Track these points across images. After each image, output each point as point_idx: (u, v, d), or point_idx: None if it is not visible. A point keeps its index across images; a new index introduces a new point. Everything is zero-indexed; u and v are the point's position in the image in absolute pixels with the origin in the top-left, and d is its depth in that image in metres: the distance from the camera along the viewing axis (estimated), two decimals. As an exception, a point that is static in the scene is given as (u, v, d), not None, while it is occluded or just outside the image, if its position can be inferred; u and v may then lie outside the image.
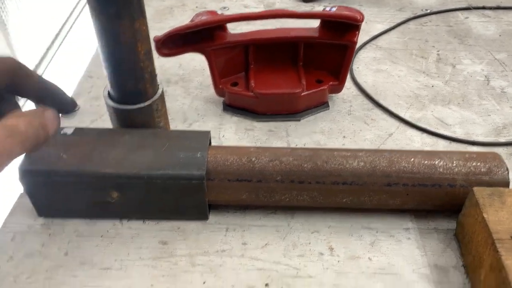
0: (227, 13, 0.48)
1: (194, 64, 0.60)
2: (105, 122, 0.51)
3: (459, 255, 0.38)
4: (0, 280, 0.36)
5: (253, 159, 0.39)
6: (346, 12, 0.47)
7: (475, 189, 0.36)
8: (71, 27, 1.97)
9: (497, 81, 0.57)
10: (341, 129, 0.50)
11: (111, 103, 0.40)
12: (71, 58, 1.81)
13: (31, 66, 1.67)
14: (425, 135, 0.50)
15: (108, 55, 0.36)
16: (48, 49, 1.78)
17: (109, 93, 0.40)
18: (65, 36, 1.91)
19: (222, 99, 0.54)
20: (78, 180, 0.37)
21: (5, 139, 0.28)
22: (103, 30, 0.35)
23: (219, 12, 0.49)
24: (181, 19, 0.69)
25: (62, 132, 0.39)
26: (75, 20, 2.01)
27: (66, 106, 0.36)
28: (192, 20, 0.48)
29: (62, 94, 0.36)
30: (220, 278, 0.36)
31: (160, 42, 0.47)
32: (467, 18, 0.70)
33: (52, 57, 1.79)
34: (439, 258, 0.38)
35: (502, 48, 0.64)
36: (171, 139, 0.39)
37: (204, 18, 0.47)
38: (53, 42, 1.82)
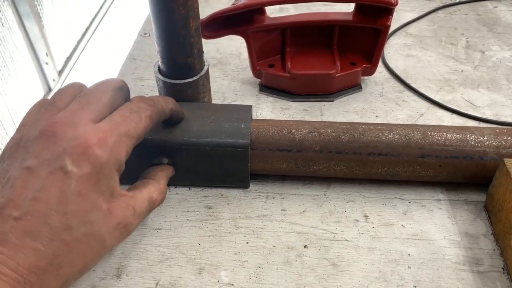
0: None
1: (231, 48, 0.63)
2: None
3: (488, 224, 0.40)
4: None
5: (293, 130, 0.41)
6: (381, -4, 0.49)
7: (506, 160, 0.38)
8: (102, 18, 2.02)
9: (526, 66, 0.59)
10: (374, 109, 0.53)
11: (161, 77, 0.43)
12: (106, 44, 1.86)
13: (65, 55, 1.72)
14: (455, 115, 0.52)
15: (162, 30, 0.39)
16: (82, 36, 1.83)
17: (159, 68, 0.43)
18: (97, 26, 1.96)
19: (258, 80, 0.57)
20: (134, 147, 0.40)
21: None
22: (159, 7, 0.38)
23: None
24: (217, 7, 0.72)
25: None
26: (107, 10, 2.06)
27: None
28: (234, 4, 0.50)
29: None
30: (262, 239, 0.39)
31: (203, 25, 0.50)
32: (496, 7, 0.71)
33: (85, 45, 1.84)
34: (469, 226, 0.40)
35: (531, 36, 0.65)
36: (217, 111, 0.42)
37: (245, 1, 0.50)
38: (86, 30, 1.87)
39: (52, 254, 0.28)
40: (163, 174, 0.39)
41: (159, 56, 0.42)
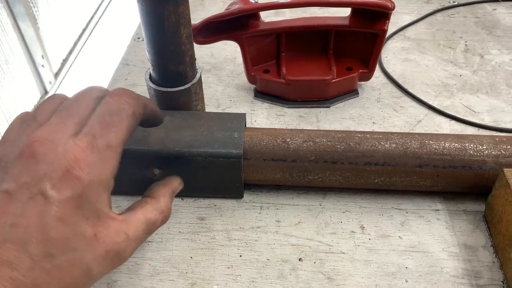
0: (261, 1, 0.50)
1: (226, 53, 0.62)
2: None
3: (488, 235, 0.39)
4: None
5: (288, 139, 0.40)
6: (377, 0, 0.48)
7: (506, 170, 0.37)
8: (98, 20, 2.01)
9: (525, 71, 0.58)
10: (371, 115, 0.52)
11: (152, 85, 0.42)
12: (102, 47, 1.85)
13: (61, 57, 1.71)
14: (453, 122, 0.51)
15: (152, 38, 0.38)
16: (78, 38, 1.82)
17: (150, 76, 0.42)
18: (94, 27, 1.95)
19: (253, 86, 0.56)
20: (123, 157, 0.39)
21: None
22: (149, 14, 0.37)
23: (252, 1, 0.50)
24: (213, 10, 0.71)
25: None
26: (103, 12, 2.05)
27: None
28: (227, 9, 0.49)
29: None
30: (256, 252, 0.38)
31: (196, 30, 0.49)
32: (495, 9, 0.70)
33: (82, 47, 1.83)
34: (468, 238, 0.39)
35: (530, 39, 0.64)
36: (209, 120, 0.41)
37: (238, 6, 0.49)
38: (83, 32, 1.86)
39: (32, 283, 0.26)
40: (165, 190, 0.36)
41: (150, 64, 0.41)
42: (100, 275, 0.29)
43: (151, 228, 0.32)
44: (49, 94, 1.59)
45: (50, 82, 1.60)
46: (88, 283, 0.29)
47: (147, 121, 0.35)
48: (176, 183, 0.37)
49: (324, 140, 0.40)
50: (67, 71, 1.74)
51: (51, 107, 0.32)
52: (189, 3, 0.38)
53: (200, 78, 0.43)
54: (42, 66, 1.54)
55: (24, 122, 0.32)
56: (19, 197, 0.27)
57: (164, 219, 0.34)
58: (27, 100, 1.47)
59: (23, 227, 0.26)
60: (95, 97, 0.32)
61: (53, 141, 0.29)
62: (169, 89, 0.41)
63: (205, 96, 0.50)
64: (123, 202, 0.42)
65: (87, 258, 0.28)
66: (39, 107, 0.33)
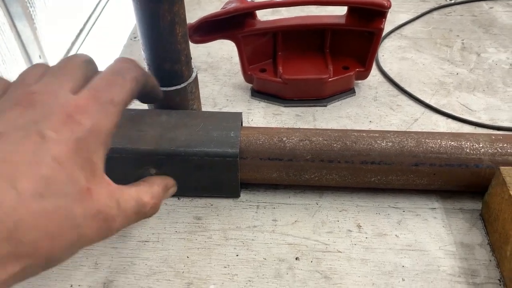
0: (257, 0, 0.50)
1: (222, 52, 0.62)
2: (139, 106, 0.52)
3: (484, 234, 0.39)
4: (46, 250, 0.38)
5: (284, 138, 0.40)
6: (373, -1, 0.48)
7: (502, 168, 0.37)
8: (96, 20, 2.00)
9: (522, 69, 0.58)
10: (367, 114, 0.51)
11: (148, 84, 0.42)
12: (98, 47, 1.85)
13: (58, 57, 1.71)
14: (450, 120, 0.51)
15: (147, 37, 0.38)
16: (76, 38, 1.81)
17: (146, 75, 0.42)
18: (91, 27, 1.95)
19: (250, 85, 0.56)
20: (119, 157, 0.39)
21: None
22: (144, 13, 0.37)
23: (249, 0, 0.50)
24: (209, 9, 0.71)
25: (102, 112, 0.41)
26: (101, 12, 2.05)
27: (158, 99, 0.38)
28: (223, 8, 0.49)
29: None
30: (253, 251, 0.38)
31: (193, 29, 0.49)
32: (491, 8, 0.70)
33: (79, 48, 1.83)
34: (464, 236, 0.39)
35: (527, 37, 0.64)
36: (205, 119, 0.41)
37: (235, 5, 0.49)
38: (80, 32, 1.85)
39: (14, 223, 0.23)
40: (159, 181, 0.35)
41: (145, 63, 0.41)
42: (87, 238, 0.27)
43: (140, 210, 0.31)
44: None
45: (47, 82, 1.60)
46: (75, 243, 0.26)
47: (147, 95, 0.35)
48: (171, 181, 0.37)
49: (321, 139, 0.40)
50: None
51: (38, 72, 0.30)
52: (184, 2, 0.38)
53: (196, 77, 0.43)
54: (39, 66, 1.54)
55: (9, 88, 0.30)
56: (13, 136, 0.25)
57: (154, 206, 0.32)
58: (25, 100, 1.46)
59: (14, 162, 0.24)
60: (84, 61, 0.31)
61: (53, 91, 0.27)
62: (165, 89, 0.41)
63: (201, 95, 0.50)
64: (120, 202, 0.42)
65: (77, 210, 0.26)
66: (24, 73, 0.31)
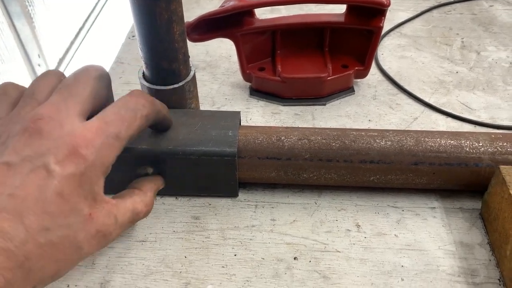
0: None
1: (221, 51, 0.62)
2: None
3: (484, 233, 0.39)
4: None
5: (282, 138, 0.40)
6: (372, -3, 0.48)
7: (502, 167, 0.36)
8: (95, 19, 2.00)
9: (522, 67, 0.58)
10: (367, 113, 0.51)
11: (145, 83, 0.41)
12: (98, 46, 1.84)
13: (58, 56, 1.71)
14: (449, 119, 0.50)
15: (145, 36, 0.38)
16: (75, 37, 1.81)
17: (143, 74, 0.42)
18: (91, 26, 1.94)
19: (248, 84, 0.55)
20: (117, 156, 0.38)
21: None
22: (141, 11, 0.36)
23: (247, -2, 0.50)
24: (208, 8, 0.71)
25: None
26: (100, 11, 2.05)
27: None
28: (222, 6, 0.49)
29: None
30: (251, 251, 0.38)
31: (191, 27, 0.49)
32: (491, 6, 0.70)
33: (78, 46, 1.82)
34: (464, 235, 0.39)
35: (527, 35, 0.64)
36: (203, 118, 0.41)
37: (233, 3, 0.48)
38: (79, 31, 1.85)
39: (24, 256, 0.25)
40: (151, 185, 0.37)
41: (143, 62, 0.41)
42: (88, 254, 0.29)
43: (135, 218, 0.33)
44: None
45: (46, 81, 1.59)
46: (76, 261, 0.29)
47: (157, 125, 0.37)
48: (160, 182, 0.39)
49: (319, 138, 0.40)
50: (64, 70, 1.73)
51: (49, 84, 0.32)
52: (181, 0, 0.38)
53: (194, 76, 0.43)
54: (39, 65, 1.54)
55: (6, 95, 0.32)
56: (20, 169, 0.27)
57: (147, 212, 0.35)
58: (24, 99, 1.46)
59: (21, 198, 0.26)
60: (94, 77, 0.32)
61: (58, 119, 0.29)
62: (162, 87, 0.41)
63: (200, 94, 0.50)
64: (117, 201, 0.41)
65: (80, 236, 0.28)
66: (35, 84, 0.32)
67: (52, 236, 0.27)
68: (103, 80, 0.33)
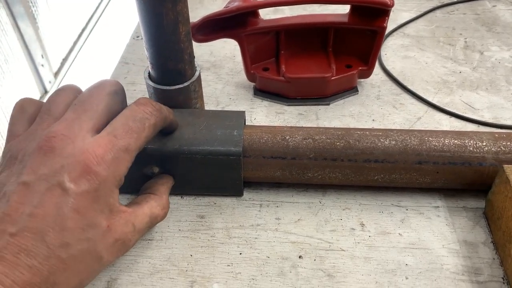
0: None
1: (225, 51, 0.62)
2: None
3: (488, 232, 0.39)
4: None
5: (287, 137, 0.40)
6: (376, -2, 0.48)
7: (506, 166, 0.37)
8: (98, 19, 2.01)
9: (525, 67, 0.58)
10: (370, 112, 0.51)
11: (151, 83, 0.42)
12: (101, 46, 1.85)
13: (61, 56, 1.71)
14: (453, 119, 0.50)
15: (151, 36, 0.38)
16: (78, 37, 1.81)
17: (149, 74, 0.42)
18: (93, 27, 1.95)
19: (252, 84, 0.56)
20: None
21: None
22: (147, 12, 0.37)
23: (251, -1, 0.50)
24: (212, 8, 0.71)
25: (105, 111, 0.41)
26: (103, 11, 2.05)
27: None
28: (226, 6, 0.49)
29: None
30: (256, 249, 0.38)
31: (195, 28, 0.49)
32: (494, 6, 0.70)
33: (81, 47, 1.83)
34: (468, 234, 0.39)
35: (530, 35, 0.64)
36: (209, 118, 0.41)
37: (237, 4, 0.49)
38: (82, 31, 1.86)
39: (48, 271, 0.27)
40: (164, 188, 0.38)
41: (149, 62, 0.41)
42: (108, 262, 0.31)
43: (153, 222, 0.34)
44: (49, 94, 1.59)
45: (50, 82, 1.60)
46: (98, 270, 0.31)
47: (164, 130, 0.38)
48: (171, 181, 0.39)
49: (324, 137, 0.40)
50: (67, 70, 1.74)
51: (64, 100, 0.33)
52: (187, 1, 0.38)
53: (199, 76, 0.43)
54: (42, 65, 1.54)
55: (24, 112, 0.33)
56: (37, 188, 0.28)
57: (164, 215, 0.36)
58: (27, 99, 1.47)
59: (40, 217, 0.27)
60: (108, 92, 0.33)
61: (71, 136, 0.30)
62: (168, 87, 0.41)
63: (204, 94, 0.50)
64: (123, 200, 0.42)
65: (100, 247, 0.30)
66: (51, 100, 0.33)
67: (72, 250, 0.28)
68: (118, 95, 0.34)
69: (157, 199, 0.36)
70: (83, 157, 0.29)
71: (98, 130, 0.31)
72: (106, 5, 2.10)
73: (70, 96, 0.34)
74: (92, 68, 1.73)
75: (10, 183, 0.29)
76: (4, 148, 0.33)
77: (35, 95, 1.55)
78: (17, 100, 0.35)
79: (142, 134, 0.32)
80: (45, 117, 0.32)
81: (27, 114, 0.34)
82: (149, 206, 0.34)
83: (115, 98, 0.34)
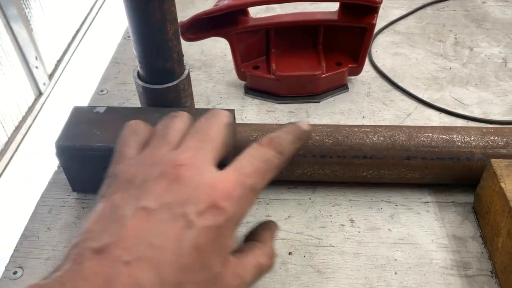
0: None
1: (216, 50, 0.62)
2: (132, 105, 0.53)
3: (477, 226, 0.39)
4: (40, 248, 0.38)
5: (276, 134, 0.40)
6: (365, -5, 0.48)
7: (493, 160, 0.37)
8: (93, 19, 2.00)
9: (515, 63, 0.58)
10: (360, 109, 0.52)
11: (140, 82, 0.42)
12: (95, 47, 1.85)
13: (55, 58, 1.71)
14: (443, 114, 0.51)
15: (139, 35, 0.38)
16: (72, 39, 1.81)
17: (138, 73, 0.42)
18: (87, 28, 1.95)
19: (243, 83, 0.56)
20: (111, 154, 0.39)
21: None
22: (134, 11, 0.37)
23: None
24: (203, 7, 0.71)
25: (95, 110, 0.41)
26: (97, 12, 2.05)
27: None
28: (215, 5, 0.49)
29: None
30: (246, 247, 0.38)
31: (185, 27, 0.49)
32: (484, 2, 0.70)
33: (76, 48, 1.83)
34: (457, 229, 0.39)
35: (520, 31, 0.64)
36: (198, 116, 0.41)
37: (227, 2, 0.49)
38: (77, 32, 1.85)
39: None
40: (270, 234, 0.33)
41: (137, 61, 0.41)
42: None
43: (260, 274, 0.31)
44: (44, 96, 1.59)
45: (44, 84, 1.60)
46: None
47: None
48: (275, 227, 0.35)
49: (313, 134, 0.40)
50: (62, 72, 1.73)
51: (180, 127, 0.31)
52: (175, 0, 0.38)
53: (188, 75, 0.43)
54: (36, 67, 1.54)
55: (137, 134, 0.32)
56: (159, 216, 0.26)
57: (271, 265, 0.31)
58: (21, 102, 1.47)
59: (159, 248, 0.25)
60: (225, 123, 0.31)
61: (197, 167, 0.28)
62: (157, 86, 0.41)
63: (195, 93, 0.50)
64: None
65: None
66: (166, 126, 0.31)
67: None
68: (231, 127, 0.32)
69: (261, 246, 0.31)
70: (211, 190, 0.27)
71: (217, 163, 0.29)
72: (101, 5, 2.10)
73: (185, 123, 0.32)
74: (87, 70, 1.73)
75: (127, 206, 0.26)
76: (114, 168, 0.30)
77: (30, 97, 1.55)
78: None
79: (267, 175, 0.29)
80: (161, 143, 0.30)
81: (140, 137, 0.32)
82: (255, 256, 0.30)
83: (230, 130, 0.32)
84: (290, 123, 0.33)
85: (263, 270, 0.31)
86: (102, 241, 0.25)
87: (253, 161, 0.29)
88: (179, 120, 0.32)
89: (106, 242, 0.24)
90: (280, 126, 0.41)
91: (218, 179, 0.27)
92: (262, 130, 0.41)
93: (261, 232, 0.33)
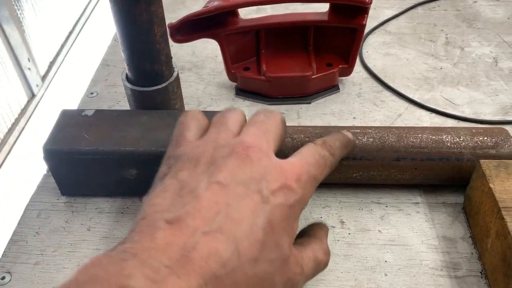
0: None
1: (207, 51, 0.62)
2: (122, 107, 0.53)
3: (467, 227, 0.39)
4: (28, 253, 0.38)
5: (266, 136, 0.40)
6: (354, -5, 0.48)
7: (482, 161, 0.37)
8: (86, 21, 2.00)
9: (505, 62, 0.58)
10: (351, 110, 0.52)
11: (129, 85, 0.42)
12: (88, 48, 1.84)
13: (48, 60, 1.70)
14: (434, 115, 0.51)
15: (126, 38, 0.38)
16: (65, 40, 1.81)
17: (127, 76, 0.42)
18: (80, 29, 1.94)
19: (234, 84, 0.56)
20: (99, 158, 0.39)
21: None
22: (121, 13, 0.36)
23: (231, -2, 0.50)
24: (194, 8, 0.70)
25: (83, 113, 0.41)
26: (90, 14, 2.04)
27: None
28: (205, 6, 0.49)
29: None
30: (236, 250, 0.38)
31: (174, 29, 0.49)
32: (475, 2, 0.70)
33: (69, 49, 1.82)
34: (447, 230, 0.39)
35: (510, 30, 0.64)
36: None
37: (216, 3, 0.49)
38: (70, 34, 1.85)
39: (231, 284, 0.23)
40: (323, 232, 0.34)
41: (125, 64, 0.41)
42: None
43: (317, 268, 0.31)
44: (37, 97, 1.58)
45: (37, 85, 1.59)
46: None
47: None
48: (326, 227, 0.35)
49: (302, 136, 0.40)
50: (55, 74, 1.73)
51: (237, 118, 0.32)
52: (162, 2, 0.38)
53: (177, 77, 0.43)
54: (29, 69, 1.53)
55: (197, 120, 0.33)
56: (235, 190, 0.26)
57: (327, 262, 0.32)
58: (14, 104, 1.46)
59: (236, 221, 0.25)
60: (281, 120, 0.33)
61: (265, 151, 0.29)
62: (145, 89, 0.41)
63: (186, 95, 0.50)
64: (103, 204, 0.42)
65: (276, 279, 0.26)
66: (225, 116, 0.32)
67: (258, 269, 0.25)
68: (285, 126, 0.34)
69: (318, 243, 0.32)
70: (282, 171, 0.28)
71: (275, 153, 0.30)
72: (94, 7, 2.10)
73: (241, 116, 0.33)
74: (80, 71, 1.73)
75: (198, 181, 0.26)
76: (174, 150, 0.31)
77: (22, 99, 1.54)
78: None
79: (325, 170, 0.31)
80: (223, 128, 0.31)
81: (200, 124, 0.33)
82: (312, 250, 0.31)
83: (284, 127, 0.33)
84: (336, 131, 0.36)
85: (320, 265, 0.31)
86: (176, 212, 0.25)
87: (314, 155, 0.31)
88: (235, 112, 0.33)
89: (181, 213, 0.24)
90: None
91: (285, 163, 0.29)
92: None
93: (316, 230, 0.34)
